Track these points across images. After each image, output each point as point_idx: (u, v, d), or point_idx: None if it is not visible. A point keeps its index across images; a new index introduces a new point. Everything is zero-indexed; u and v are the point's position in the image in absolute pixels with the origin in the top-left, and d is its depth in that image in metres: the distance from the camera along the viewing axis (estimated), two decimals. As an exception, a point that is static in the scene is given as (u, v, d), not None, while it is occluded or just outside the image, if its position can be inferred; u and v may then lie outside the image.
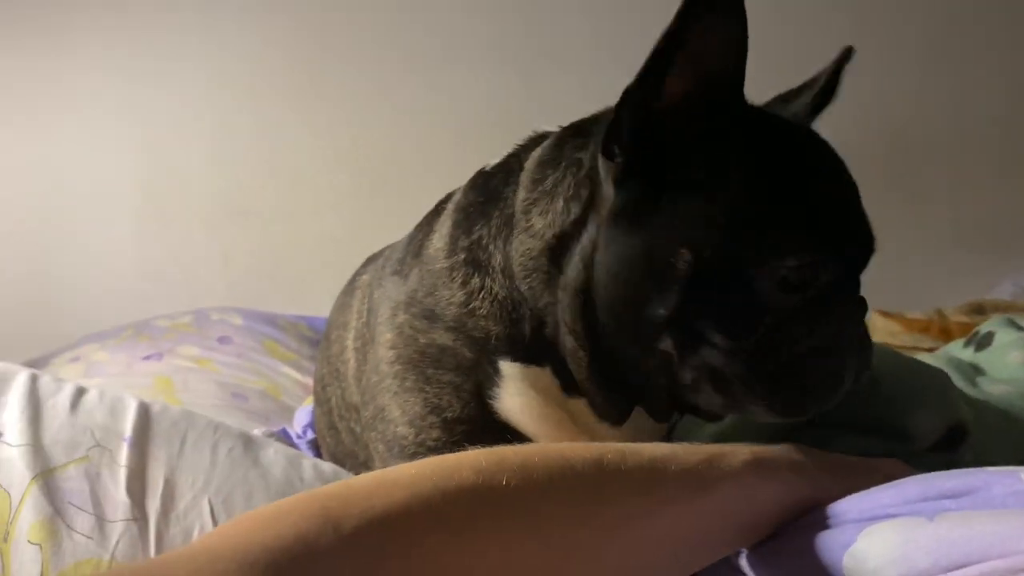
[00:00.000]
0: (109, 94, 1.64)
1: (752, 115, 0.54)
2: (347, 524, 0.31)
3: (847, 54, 0.61)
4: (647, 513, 0.39)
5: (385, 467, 0.56)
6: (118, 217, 1.65)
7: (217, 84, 1.65)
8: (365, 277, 0.76)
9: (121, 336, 1.29)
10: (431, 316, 0.59)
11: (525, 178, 0.58)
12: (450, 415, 0.57)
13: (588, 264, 0.53)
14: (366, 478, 0.36)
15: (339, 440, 0.76)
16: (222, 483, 0.63)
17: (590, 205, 0.53)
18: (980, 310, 1.45)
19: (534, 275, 0.55)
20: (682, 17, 0.46)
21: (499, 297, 0.56)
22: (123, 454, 0.61)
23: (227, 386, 1.09)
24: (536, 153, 0.59)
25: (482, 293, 0.57)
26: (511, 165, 0.61)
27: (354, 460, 0.74)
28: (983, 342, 0.95)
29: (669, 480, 0.41)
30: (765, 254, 0.48)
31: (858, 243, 0.53)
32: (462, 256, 0.59)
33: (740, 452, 0.45)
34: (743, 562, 0.48)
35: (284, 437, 0.86)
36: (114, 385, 0.98)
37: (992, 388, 0.77)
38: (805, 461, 0.47)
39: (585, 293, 0.53)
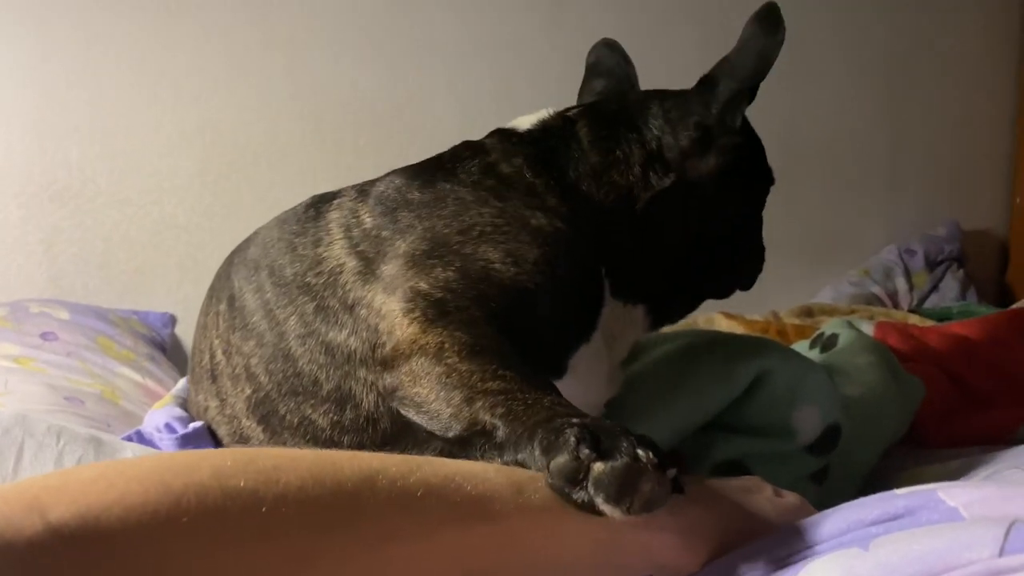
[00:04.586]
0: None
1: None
2: (54, 513, 0.29)
3: None
4: (416, 534, 0.37)
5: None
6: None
7: (42, 51, 1.47)
8: (333, 213, 0.73)
9: (-81, 331, 1.12)
10: (540, 208, 0.68)
11: (591, 147, 0.73)
12: (561, 281, 0.64)
13: (693, 215, 0.74)
14: (92, 468, 0.35)
15: (295, 372, 0.69)
16: (74, 502, 0.54)
17: (680, 170, 0.73)
18: (809, 313, 1.62)
19: (617, 215, 0.71)
20: (778, 47, 0.70)
21: (587, 216, 0.69)
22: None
23: (58, 389, 0.97)
24: (585, 131, 0.74)
25: (582, 212, 0.69)
26: (558, 132, 0.74)
27: (310, 395, 0.68)
28: (828, 343, 1.03)
29: (455, 502, 0.39)
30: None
31: None
32: (548, 181, 0.70)
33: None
34: None
35: (141, 441, 0.76)
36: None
37: (848, 390, 0.82)
38: None
39: (682, 241, 0.74)
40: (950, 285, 1.92)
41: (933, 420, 0.96)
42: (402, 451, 0.65)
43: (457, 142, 0.76)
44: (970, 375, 1.07)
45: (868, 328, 1.16)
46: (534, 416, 0.47)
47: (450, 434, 0.53)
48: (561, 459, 0.41)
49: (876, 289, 1.87)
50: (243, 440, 0.74)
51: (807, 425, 0.71)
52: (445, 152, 0.75)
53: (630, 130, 0.73)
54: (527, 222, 0.66)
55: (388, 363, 0.60)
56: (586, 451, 0.40)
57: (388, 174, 0.73)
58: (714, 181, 0.73)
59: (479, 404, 0.51)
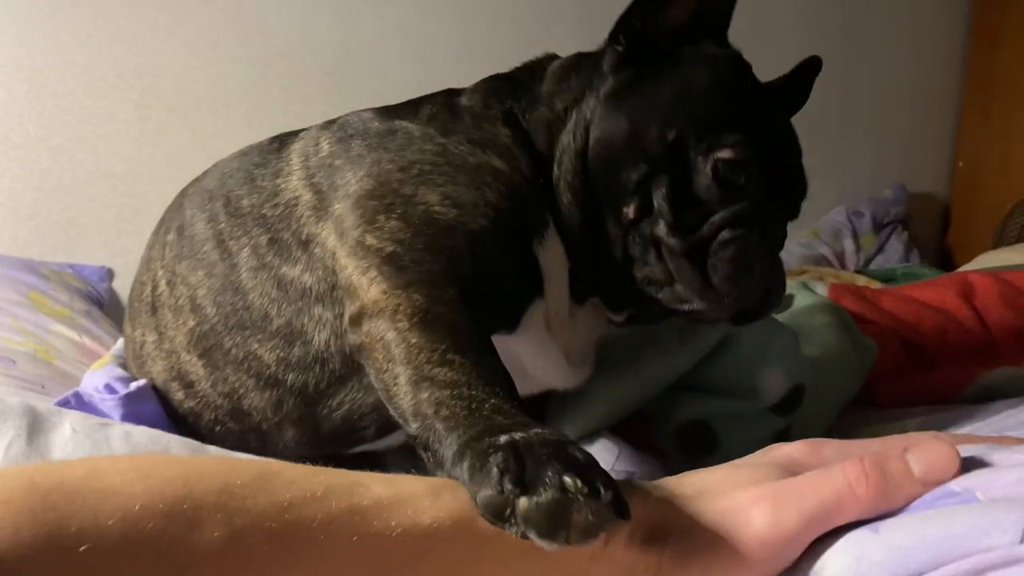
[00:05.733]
0: None
1: (730, 50, 0.67)
2: None
3: (816, 65, 0.75)
4: (314, 550, 0.34)
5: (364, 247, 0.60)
6: None
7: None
8: (296, 144, 0.72)
9: None
10: (479, 143, 0.65)
11: (551, 77, 0.70)
12: (503, 222, 0.61)
13: (586, 132, 0.64)
14: None
15: (245, 305, 0.68)
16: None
17: (592, 89, 0.66)
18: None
19: (548, 135, 0.66)
20: None
21: (529, 150, 0.66)
22: None
23: (-14, 347, 0.91)
24: (559, 62, 0.71)
25: (519, 142, 0.66)
26: (534, 68, 0.72)
27: (258, 330, 0.67)
28: (783, 304, 1.03)
29: (363, 506, 0.36)
30: (709, 142, 0.61)
31: (791, 179, 0.66)
32: (498, 112, 0.68)
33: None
34: None
35: (80, 404, 0.72)
36: None
37: (807, 350, 0.83)
38: None
39: (582, 156, 0.64)
40: (895, 247, 1.96)
41: (885, 380, 0.97)
42: (349, 394, 0.65)
43: (413, 89, 0.74)
44: (920, 337, 1.09)
45: (822, 289, 1.17)
46: (470, 428, 0.44)
47: (399, 416, 0.51)
48: (485, 493, 0.39)
49: (824, 250, 1.90)
50: (180, 377, 0.73)
51: (773, 386, 0.71)
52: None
53: (596, 66, 0.67)
54: (465, 160, 0.64)
55: (353, 321, 0.59)
56: (509, 485, 0.38)
57: (365, 109, 0.72)
58: (614, 109, 0.64)
59: (425, 395, 0.49)
